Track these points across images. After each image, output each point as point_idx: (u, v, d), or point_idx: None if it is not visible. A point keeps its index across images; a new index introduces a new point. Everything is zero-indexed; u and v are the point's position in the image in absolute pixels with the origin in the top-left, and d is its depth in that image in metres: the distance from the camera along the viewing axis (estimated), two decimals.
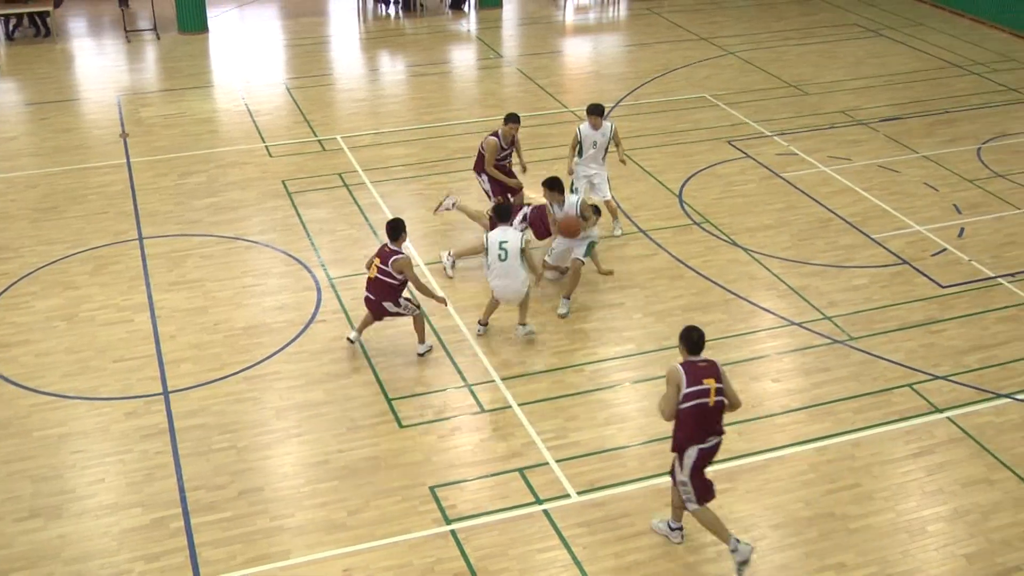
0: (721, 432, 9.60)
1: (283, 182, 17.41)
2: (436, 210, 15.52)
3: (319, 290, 14.27)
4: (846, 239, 15.70)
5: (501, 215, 13.34)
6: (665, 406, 9.47)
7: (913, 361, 12.93)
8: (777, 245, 15.52)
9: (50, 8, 25.09)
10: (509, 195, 15.30)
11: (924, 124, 20.10)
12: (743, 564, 9.70)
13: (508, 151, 15.32)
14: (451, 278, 14.51)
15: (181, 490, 10.74)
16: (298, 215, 16.28)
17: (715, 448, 9.61)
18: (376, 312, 12.79)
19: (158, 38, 25.21)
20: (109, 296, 14.12)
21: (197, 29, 25.61)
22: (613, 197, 15.79)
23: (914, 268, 14.97)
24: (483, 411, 12.00)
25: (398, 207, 16.44)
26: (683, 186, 17.35)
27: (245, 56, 24.25)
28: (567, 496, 10.71)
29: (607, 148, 15.65)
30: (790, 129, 19.73)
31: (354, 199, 16.79)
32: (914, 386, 12.47)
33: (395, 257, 12.35)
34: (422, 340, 12.97)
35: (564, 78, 22.86)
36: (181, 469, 11.02)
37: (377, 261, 12.52)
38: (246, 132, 19.58)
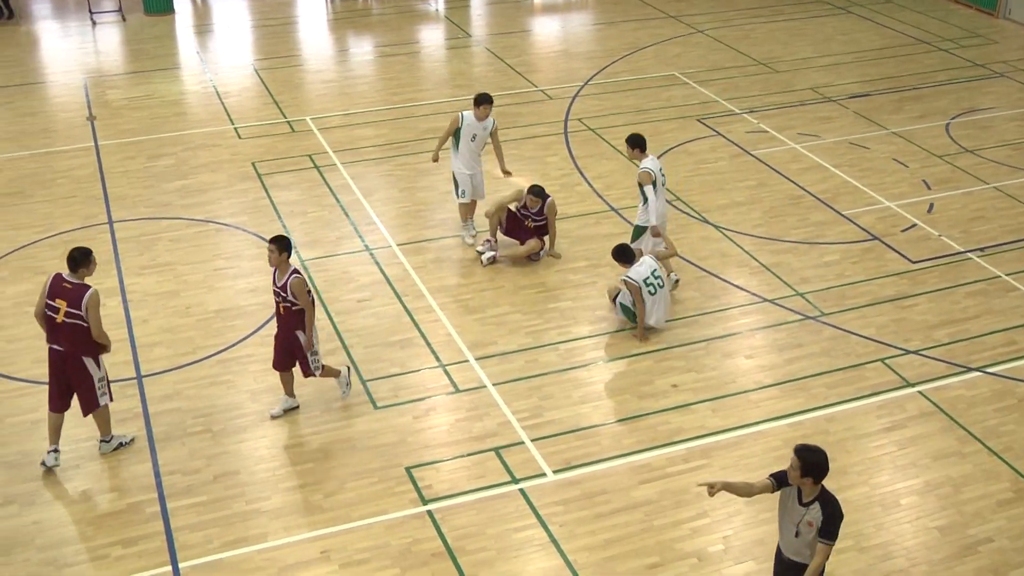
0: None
1: (253, 164, 17.31)
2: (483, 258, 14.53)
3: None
4: (817, 216, 15.78)
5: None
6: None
7: (884, 336, 13.02)
8: (748, 222, 15.57)
9: None
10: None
11: (893, 100, 20.19)
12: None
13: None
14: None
15: (156, 475, 10.69)
16: (268, 197, 16.19)
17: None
18: (68, 374, 10.47)
19: (124, 20, 24.98)
20: None
21: (163, 10, 25.37)
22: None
23: (884, 244, 15.05)
24: (458, 391, 12.00)
25: (368, 188, 16.40)
26: None
27: (212, 37, 24.07)
28: (543, 475, 10.74)
29: (485, 145, 14.81)
30: (760, 107, 19.77)
31: (324, 180, 16.72)
32: (886, 361, 12.56)
33: (88, 293, 10.26)
34: (107, 432, 10.95)
35: (533, 57, 22.81)
36: (156, 454, 10.97)
37: (64, 304, 10.23)
38: (214, 114, 19.44)
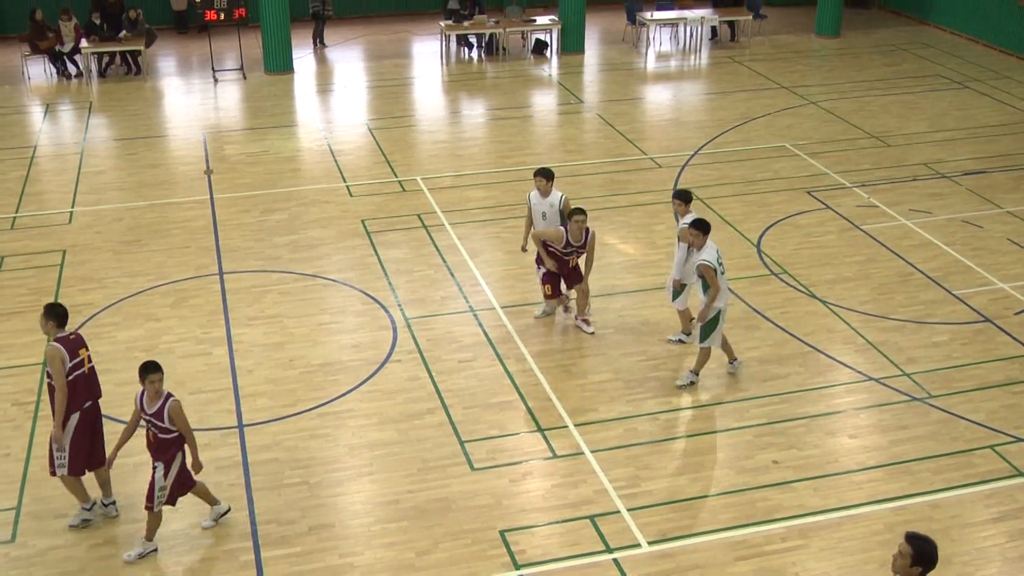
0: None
1: (362, 221, 17.59)
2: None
3: (395, 330, 14.36)
4: (927, 294, 15.47)
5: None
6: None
7: (994, 422, 12.66)
8: (856, 298, 15.33)
9: (142, 47, 25.75)
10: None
11: (1010, 179, 19.78)
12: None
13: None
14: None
15: (253, 523, 10.82)
16: (376, 254, 16.42)
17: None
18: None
19: (244, 78, 25.72)
20: (189, 329, 14.34)
21: (282, 70, 26.07)
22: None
23: (996, 326, 14.69)
24: (555, 456, 11.96)
25: (475, 249, 16.54)
26: (762, 236, 17.23)
27: (329, 96, 24.64)
28: (637, 545, 10.62)
29: (560, 221, 14.11)
30: (871, 181, 19.53)
31: (432, 240, 16.91)
32: (996, 448, 12.20)
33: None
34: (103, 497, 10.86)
35: (644, 125, 22.88)
36: (253, 503, 11.10)
37: (84, 352, 10.48)
38: (327, 171, 19.85)
